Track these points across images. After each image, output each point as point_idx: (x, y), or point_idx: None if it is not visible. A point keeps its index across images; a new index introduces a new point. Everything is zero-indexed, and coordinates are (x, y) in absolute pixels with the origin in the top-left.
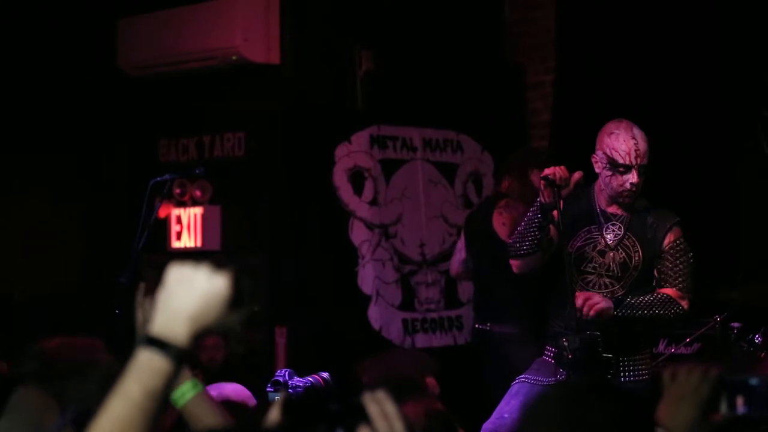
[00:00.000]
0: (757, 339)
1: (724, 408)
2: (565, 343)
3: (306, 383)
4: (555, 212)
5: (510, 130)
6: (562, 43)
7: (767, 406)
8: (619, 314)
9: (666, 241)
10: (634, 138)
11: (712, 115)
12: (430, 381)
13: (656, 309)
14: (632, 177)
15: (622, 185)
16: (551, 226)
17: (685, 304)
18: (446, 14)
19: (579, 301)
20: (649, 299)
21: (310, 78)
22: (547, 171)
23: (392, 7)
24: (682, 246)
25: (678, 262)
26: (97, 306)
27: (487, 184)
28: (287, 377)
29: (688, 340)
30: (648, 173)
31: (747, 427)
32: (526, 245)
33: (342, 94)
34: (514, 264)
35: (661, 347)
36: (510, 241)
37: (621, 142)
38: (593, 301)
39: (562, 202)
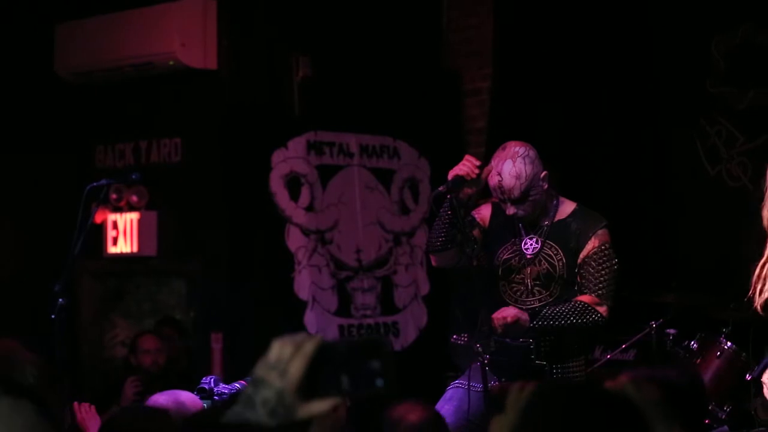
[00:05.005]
0: (693, 345)
1: None
2: (480, 349)
3: (232, 389)
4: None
5: (447, 137)
6: (499, 50)
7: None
8: (536, 325)
9: (588, 248)
10: (499, 175)
11: (649, 123)
12: None
13: (573, 318)
14: (508, 209)
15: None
16: (476, 228)
17: (603, 310)
18: (384, 20)
19: (496, 315)
20: (565, 309)
21: (247, 84)
22: (457, 169)
23: (329, 13)
24: (605, 253)
25: (600, 268)
26: (31, 311)
27: (423, 190)
28: (213, 384)
29: (624, 346)
30: (535, 196)
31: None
32: (439, 241)
33: (279, 99)
34: (432, 259)
35: (596, 354)
36: (428, 236)
37: (491, 178)
38: (503, 315)
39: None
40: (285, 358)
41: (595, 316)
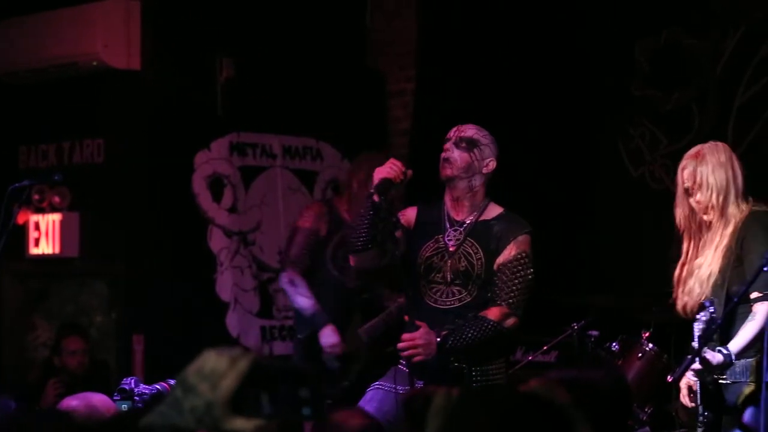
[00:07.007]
0: (615, 347)
1: None
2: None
3: (152, 391)
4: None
5: (370, 138)
6: (422, 51)
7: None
8: (444, 353)
9: (505, 254)
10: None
11: (574, 125)
12: None
13: (480, 337)
14: (446, 151)
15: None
16: (399, 230)
17: (511, 321)
18: (308, 21)
19: (402, 345)
20: (472, 334)
21: (171, 84)
22: (384, 172)
23: (253, 14)
24: (522, 262)
25: (514, 277)
26: None
27: None
28: (133, 385)
29: (545, 348)
30: (475, 164)
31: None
32: (360, 242)
33: (202, 101)
34: (351, 260)
35: (518, 355)
36: (349, 237)
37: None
38: (413, 352)
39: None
40: (219, 372)
41: (503, 330)
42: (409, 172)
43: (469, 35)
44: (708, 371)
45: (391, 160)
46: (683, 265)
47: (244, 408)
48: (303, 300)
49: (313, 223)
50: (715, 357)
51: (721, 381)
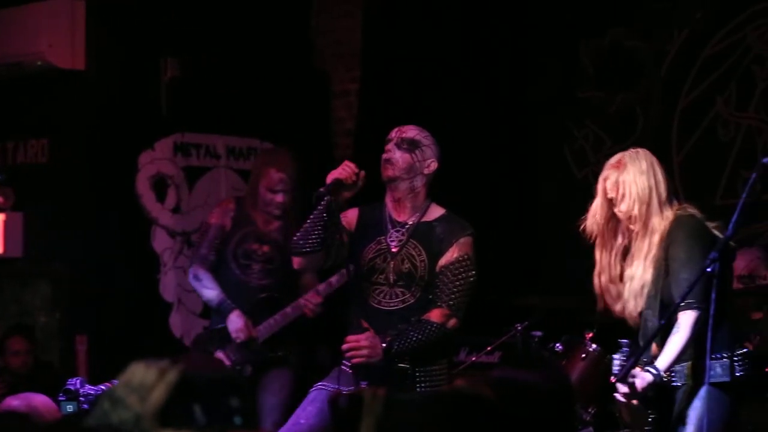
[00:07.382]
0: (558, 347)
1: None
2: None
3: (98, 391)
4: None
5: (314, 138)
6: (367, 52)
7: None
8: (391, 357)
9: (447, 256)
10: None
11: (518, 127)
12: None
13: (424, 340)
14: (387, 152)
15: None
16: (343, 232)
17: (452, 323)
18: (253, 21)
19: (346, 346)
20: (416, 338)
21: (115, 84)
22: (337, 173)
23: (198, 14)
24: (463, 264)
25: (455, 279)
26: None
27: None
28: (79, 386)
29: (489, 348)
30: (416, 164)
31: None
32: (309, 243)
33: (146, 101)
34: (296, 261)
35: (461, 356)
36: (294, 237)
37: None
38: (356, 354)
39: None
40: (148, 384)
41: (446, 331)
42: (362, 173)
43: (414, 36)
44: (635, 395)
45: (345, 162)
46: (599, 274)
47: (173, 420)
48: (208, 292)
49: (219, 219)
50: (644, 379)
51: (672, 384)
